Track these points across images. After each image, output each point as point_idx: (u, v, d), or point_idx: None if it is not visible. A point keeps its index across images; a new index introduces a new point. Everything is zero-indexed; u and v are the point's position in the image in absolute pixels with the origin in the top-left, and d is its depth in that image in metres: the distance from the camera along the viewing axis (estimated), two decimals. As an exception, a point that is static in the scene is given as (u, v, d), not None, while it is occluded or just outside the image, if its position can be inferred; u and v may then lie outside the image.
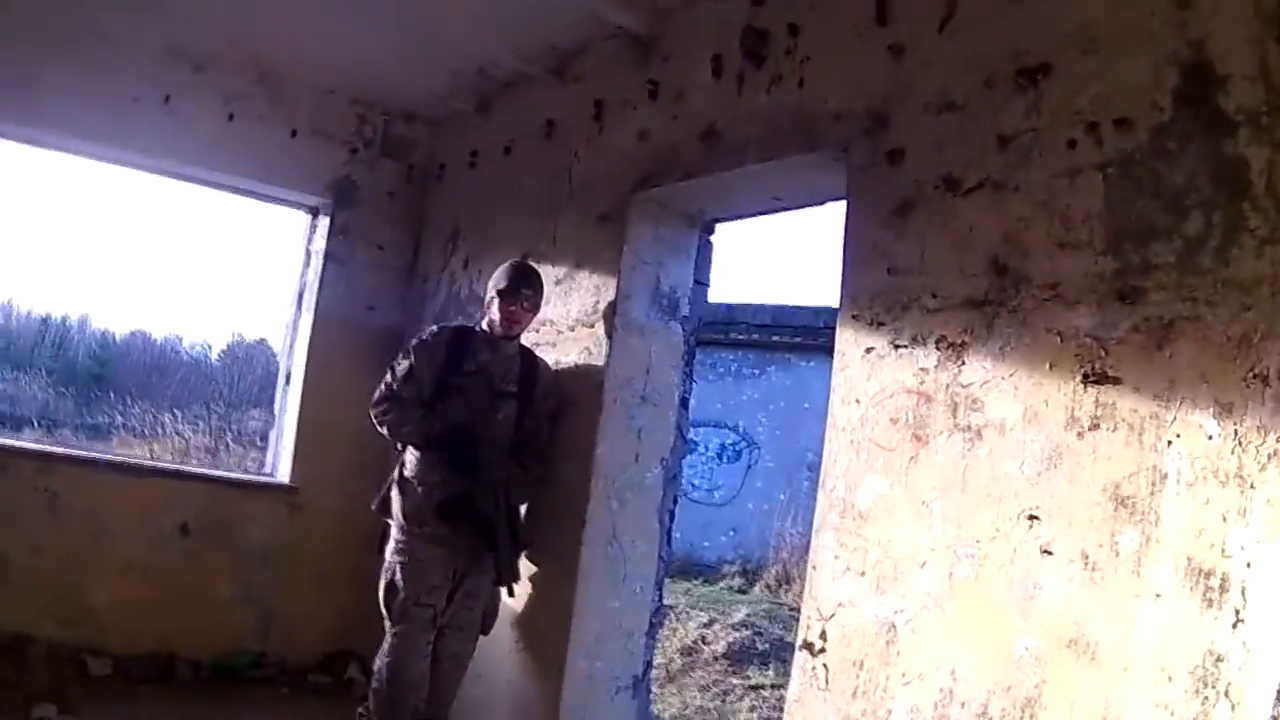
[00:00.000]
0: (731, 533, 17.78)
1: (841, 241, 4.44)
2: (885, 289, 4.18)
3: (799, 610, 4.34)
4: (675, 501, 5.95)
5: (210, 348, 38.14)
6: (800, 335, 18.22)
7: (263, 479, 7.98)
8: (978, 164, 3.93)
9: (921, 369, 3.99)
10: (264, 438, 9.03)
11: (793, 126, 4.76)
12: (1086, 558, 3.34)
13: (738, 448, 19.09)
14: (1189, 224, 3.25)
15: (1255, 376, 3.02)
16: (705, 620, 11.65)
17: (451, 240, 7.63)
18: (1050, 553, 3.44)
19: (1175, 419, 3.20)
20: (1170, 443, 3.20)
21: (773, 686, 9.68)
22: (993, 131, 3.90)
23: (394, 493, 5.72)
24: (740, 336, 18.96)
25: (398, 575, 5.57)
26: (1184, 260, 3.25)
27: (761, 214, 5.75)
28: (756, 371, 19.07)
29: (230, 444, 22.15)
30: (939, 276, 3.99)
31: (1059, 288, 3.59)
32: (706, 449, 19.02)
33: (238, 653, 7.46)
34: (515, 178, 6.92)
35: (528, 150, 6.83)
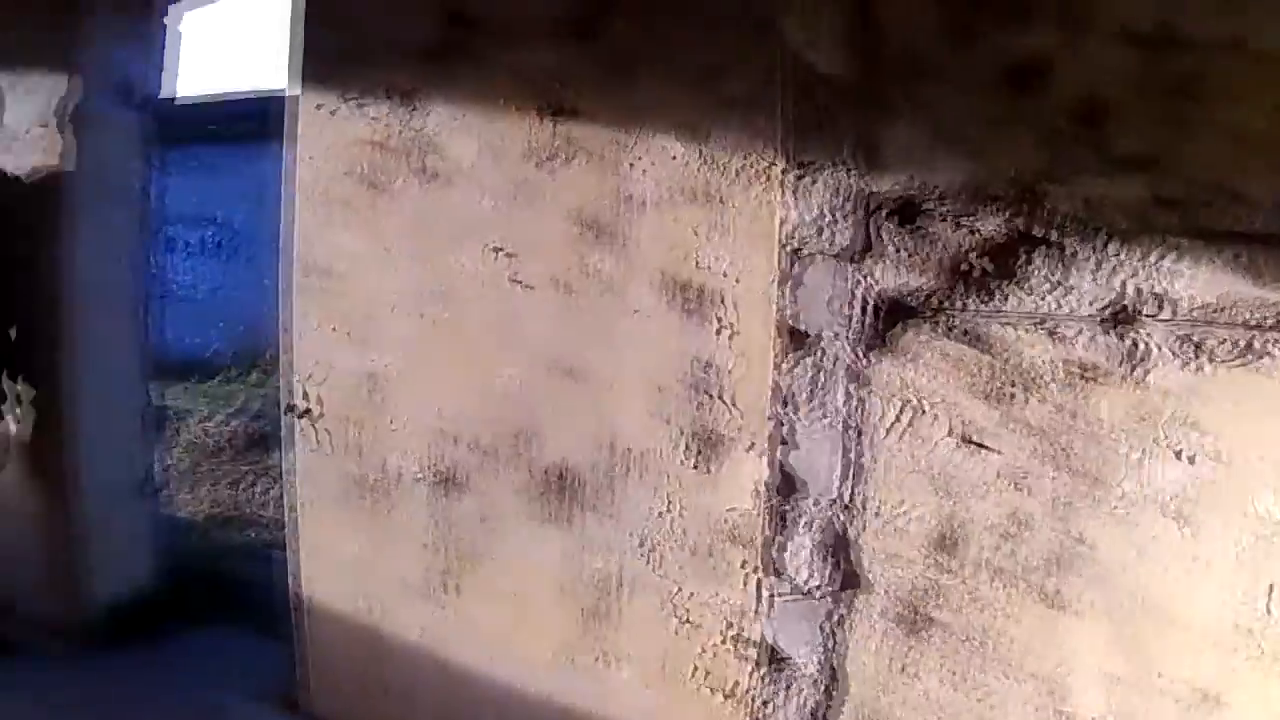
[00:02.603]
0: (223, 324, 17.09)
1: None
2: (334, 44, 3.87)
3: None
4: (148, 297, 5.56)
5: None
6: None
7: None
8: None
9: (375, 120, 3.74)
10: None
11: None
12: (561, 283, 3.33)
13: (219, 239, 18.24)
14: None
15: (724, 101, 3.03)
16: (205, 414, 11.25)
17: None
18: (520, 282, 3.41)
19: (639, 143, 3.18)
20: (634, 165, 3.18)
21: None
22: None
23: None
24: (213, 128, 17.93)
25: None
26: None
27: None
28: (236, 162, 18.14)
29: None
30: (390, 27, 3.73)
31: (513, 28, 3.44)
32: (188, 245, 18.06)
33: None
34: None
35: None
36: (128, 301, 5.42)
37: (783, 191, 2.92)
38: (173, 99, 16.56)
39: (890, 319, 2.81)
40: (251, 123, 17.62)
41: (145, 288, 5.53)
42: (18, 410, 5.21)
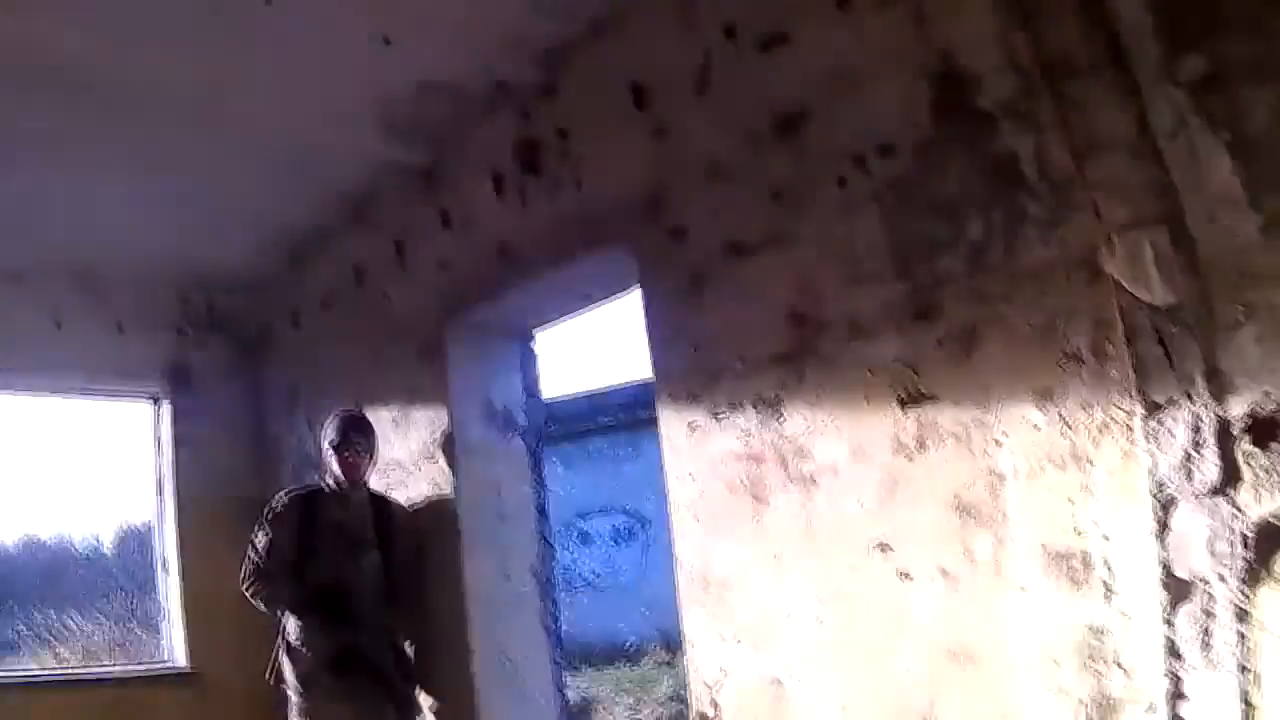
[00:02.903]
0: (645, 611, 17.34)
1: (645, 326, 4.37)
2: (693, 363, 4.11)
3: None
4: (557, 605, 5.79)
5: (100, 539, 35.62)
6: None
7: (163, 669, 7.40)
8: (756, 222, 3.87)
9: (745, 432, 3.89)
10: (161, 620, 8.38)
11: (579, 228, 4.68)
12: (945, 571, 3.26)
13: (631, 528, 18.69)
14: (970, 229, 3.22)
15: (1068, 357, 2.98)
16: (632, 702, 11.39)
17: (291, 401, 7.38)
18: (909, 575, 3.36)
19: (998, 419, 3.15)
20: (999, 442, 3.14)
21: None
22: (764, 187, 3.84)
23: (284, 659, 5.51)
24: (608, 421, 18.61)
25: None
26: (973, 265, 3.22)
27: (572, 314, 5.65)
28: (633, 450, 18.64)
29: (139, 632, 21.05)
30: (742, 340, 3.92)
31: (858, 322, 3.53)
32: (601, 536, 18.58)
33: None
34: (336, 329, 6.76)
35: (343, 300, 6.68)
36: (534, 614, 5.61)
37: (1145, 438, 2.81)
38: (556, 400, 17.32)
39: (1268, 547, 2.62)
40: (637, 410, 18.30)
41: (551, 588, 5.73)
42: None
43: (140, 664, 7.69)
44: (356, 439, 5.65)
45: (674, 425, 4.19)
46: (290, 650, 5.47)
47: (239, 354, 7.88)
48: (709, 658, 4.01)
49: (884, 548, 3.42)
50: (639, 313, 4.45)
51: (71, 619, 22.39)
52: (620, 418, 18.39)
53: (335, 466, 5.60)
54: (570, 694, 5.94)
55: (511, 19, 4.58)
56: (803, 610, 3.67)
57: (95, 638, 20.80)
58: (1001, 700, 3.12)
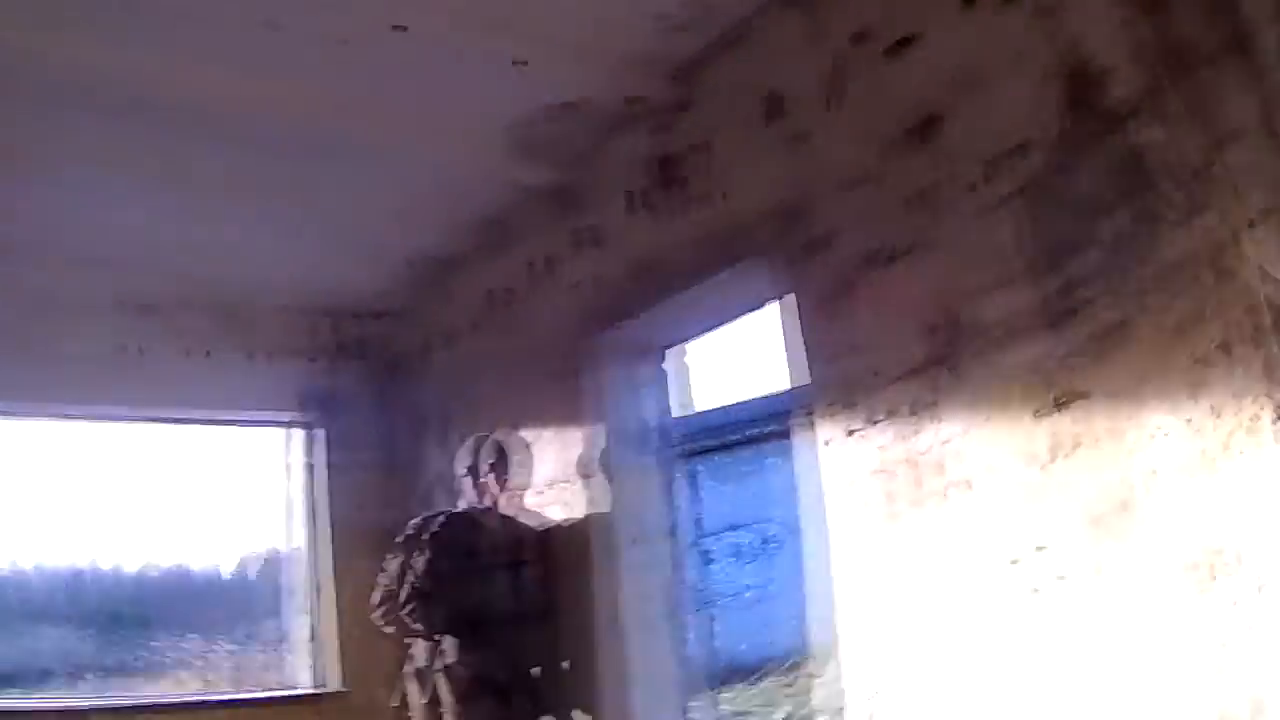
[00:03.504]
0: (767, 629, 17.21)
1: (787, 338, 4.46)
2: (838, 375, 4.11)
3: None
4: (690, 627, 5.90)
5: (220, 567, 36.02)
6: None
7: (287, 693, 7.68)
8: (896, 229, 3.90)
9: (880, 447, 3.89)
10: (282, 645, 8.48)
11: (718, 242, 4.73)
12: (1079, 585, 3.22)
13: (758, 544, 18.57)
14: (1104, 229, 3.21)
15: (1203, 358, 2.92)
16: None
17: (426, 426, 7.47)
18: (1039, 590, 3.32)
19: (1135, 424, 3.09)
20: (1136, 448, 3.08)
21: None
22: (901, 193, 3.88)
23: (410, 685, 5.53)
24: (737, 437, 18.51)
25: None
26: (1108, 266, 3.19)
27: (711, 329, 5.68)
28: (760, 466, 18.54)
29: (259, 656, 21.27)
30: (884, 350, 3.92)
31: (997, 328, 3.52)
32: (729, 553, 18.50)
33: None
34: (475, 352, 6.84)
35: (478, 324, 6.77)
36: (666, 637, 5.71)
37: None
38: (690, 416, 17.14)
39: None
40: (769, 424, 18.12)
41: (683, 610, 5.86)
42: None
43: (262, 689, 7.84)
44: (491, 463, 5.74)
45: (816, 438, 4.20)
46: (418, 674, 5.49)
47: (373, 380, 7.98)
48: (861, 671, 4.01)
49: (1018, 562, 3.39)
50: (771, 326, 4.57)
51: (191, 644, 22.72)
52: (749, 433, 18.30)
53: (470, 491, 5.75)
54: (698, 716, 5.93)
55: (641, 36, 4.69)
56: (942, 622, 3.65)
57: (217, 663, 21.07)
58: (1148, 714, 3.07)
